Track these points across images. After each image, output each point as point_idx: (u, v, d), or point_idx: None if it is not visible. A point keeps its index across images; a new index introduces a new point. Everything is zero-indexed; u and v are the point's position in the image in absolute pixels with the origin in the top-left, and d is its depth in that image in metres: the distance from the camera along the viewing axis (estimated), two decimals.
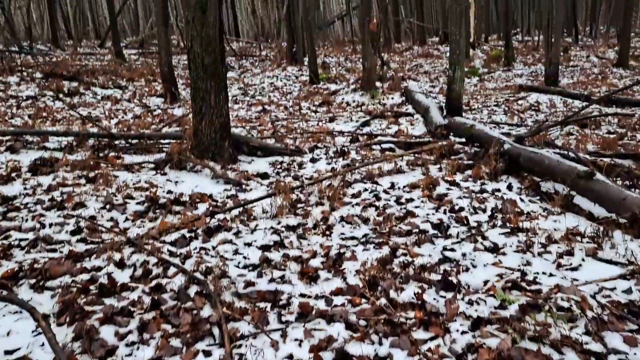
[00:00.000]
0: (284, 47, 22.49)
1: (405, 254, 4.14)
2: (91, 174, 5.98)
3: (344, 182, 5.79)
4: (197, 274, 3.78)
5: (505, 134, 8.00)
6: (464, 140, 7.43)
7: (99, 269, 3.93)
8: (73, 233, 4.60)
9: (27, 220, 4.84)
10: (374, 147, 7.57)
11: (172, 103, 11.72)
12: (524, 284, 3.53)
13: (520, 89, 12.81)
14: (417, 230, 4.57)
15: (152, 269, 3.91)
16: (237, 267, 3.99)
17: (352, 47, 25.82)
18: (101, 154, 6.94)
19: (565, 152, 6.17)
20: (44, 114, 10.32)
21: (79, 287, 3.60)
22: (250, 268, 3.97)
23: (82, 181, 5.80)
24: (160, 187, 5.70)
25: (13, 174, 6.06)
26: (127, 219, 4.93)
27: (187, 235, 4.52)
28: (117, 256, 4.12)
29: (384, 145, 7.55)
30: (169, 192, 5.58)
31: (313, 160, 6.88)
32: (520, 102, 11.57)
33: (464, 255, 4.06)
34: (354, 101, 12.04)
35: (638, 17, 32.74)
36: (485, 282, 3.65)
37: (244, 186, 5.83)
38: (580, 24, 32.63)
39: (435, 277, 3.72)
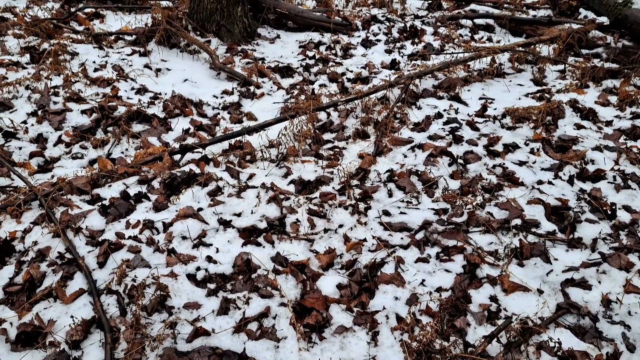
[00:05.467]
0: None
1: (493, 282, 2.27)
2: (44, 45, 4.15)
3: (407, 94, 3.66)
4: (109, 300, 2.12)
5: None
6: (605, 21, 4.80)
7: None
8: None
9: None
10: (462, 22, 5.12)
11: None
12: None
13: None
14: (518, 220, 2.59)
15: (46, 272, 2.27)
16: (193, 280, 2.28)
17: None
18: (73, 8, 4.98)
19: None
20: None
21: None
22: (213, 286, 2.26)
23: (25, 59, 4.00)
24: (129, 79, 3.82)
25: None
26: (59, 141, 3.20)
27: (134, 190, 2.78)
28: (9, 225, 2.51)
29: (479, 21, 5.07)
30: (139, 90, 3.71)
31: (366, 44, 4.62)
32: None
33: (608, 318, 2.13)
34: None
35: None
36: None
37: (253, 87, 3.84)
38: None
39: None
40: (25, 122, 3.30)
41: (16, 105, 3.44)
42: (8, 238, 2.41)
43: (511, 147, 3.14)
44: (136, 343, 1.93)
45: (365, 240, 2.53)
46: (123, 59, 4.08)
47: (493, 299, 2.19)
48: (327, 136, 3.39)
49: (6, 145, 3.09)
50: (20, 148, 3.10)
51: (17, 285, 2.20)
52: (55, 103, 3.42)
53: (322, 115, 3.53)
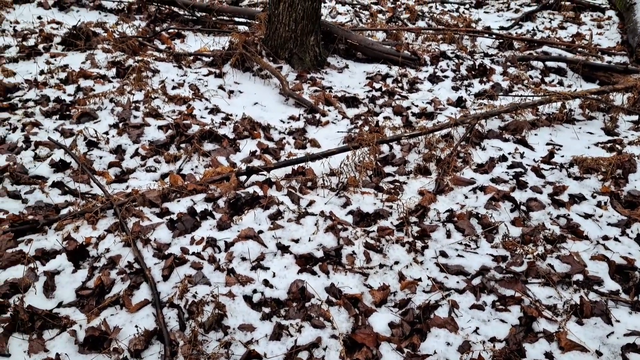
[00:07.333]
0: None
1: (549, 338, 2.21)
2: (129, 62, 4.44)
3: (472, 134, 3.65)
4: (171, 313, 2.23)
5: None
6: None
7: (46, 256, 2.54)
8: (56, 168, 3.22)
9: (13, 129, 3.54)
10: (533, 64, 5.06)
11: None
12: None
13: None
14: (580, 275, 2.52)
15: (115, 279, 2.42)
16: (249, 302, 2.36)
17: None
18: (158, 28, 5.31)
19: None
20: None
21: None
22: (268, 311, 2.33)
23: (112, 73, 4.30)
24: (204, 99, 4.02)
25: (41, 46, 4.73)
26: (136, 154, 3.41)
27: (201, 207, 2.92)
28: (85, 231, 2.70)
29: (550, 63, 5.00)
30: (212, 110, 3.90)
31: (433, 79, 4.66)
32: None
33: None
34: None
35: None
36: None
37: (318, 115, 3.95)
38: None
39: None
40: (107, 133, 3.54)
41: (100, 116, 3.70)
42: (84, 243, 2.59)
43: (577, 198, 3.06)
44: (192, 359, 2.01)
45: (420, 280, 2.53)
46: (199, 79, 4.30)
47: (548, 355, 2.14)
48: (388, 169, 3.43)
49: (88, 154, 3.33)
50: (100, 157, 3.33)
51: (88, 290, 2.36)
52: (135, 117, 3.66)
53: (384, 148, 3.58)
